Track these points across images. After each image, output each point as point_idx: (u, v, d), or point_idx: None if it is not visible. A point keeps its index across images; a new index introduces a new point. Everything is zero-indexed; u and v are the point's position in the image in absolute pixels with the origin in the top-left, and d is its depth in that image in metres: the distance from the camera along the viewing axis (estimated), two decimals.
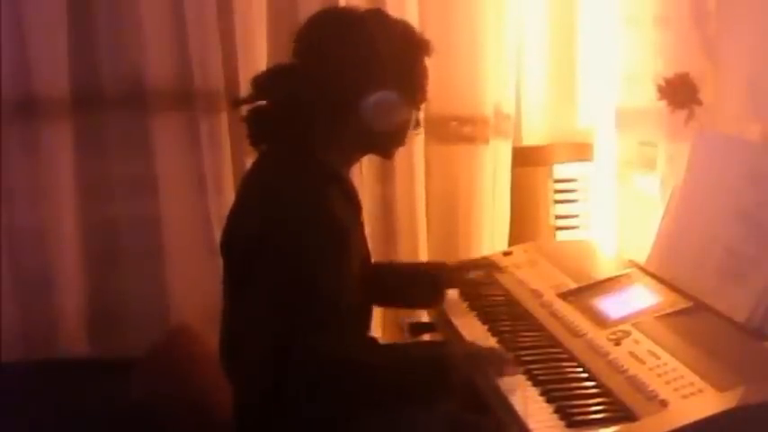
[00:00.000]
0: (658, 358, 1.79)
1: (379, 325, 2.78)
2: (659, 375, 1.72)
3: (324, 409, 1.76)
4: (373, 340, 2.10)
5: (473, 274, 2.39)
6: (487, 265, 2.47)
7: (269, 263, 1.77)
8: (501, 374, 1.84)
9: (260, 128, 1.95)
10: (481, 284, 2.37)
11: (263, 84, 1.95)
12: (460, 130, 2.94)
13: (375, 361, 1.80)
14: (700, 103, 2.44)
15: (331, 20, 2.00)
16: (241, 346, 1.84)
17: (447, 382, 1.80)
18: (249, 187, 1.96)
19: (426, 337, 2.47)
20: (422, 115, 2.12)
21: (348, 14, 2.04)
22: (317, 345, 1.70)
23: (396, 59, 1.91)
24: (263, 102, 1.95)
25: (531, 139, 3.03)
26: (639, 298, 2.12)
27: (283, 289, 1.75)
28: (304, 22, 1.99)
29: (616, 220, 2.80)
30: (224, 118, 2.80)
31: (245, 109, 1.99)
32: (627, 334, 1.93)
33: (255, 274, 1.79)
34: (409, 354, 1.91)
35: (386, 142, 2.01)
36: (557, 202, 2.98)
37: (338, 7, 2.03)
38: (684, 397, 1.63)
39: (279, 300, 1.75)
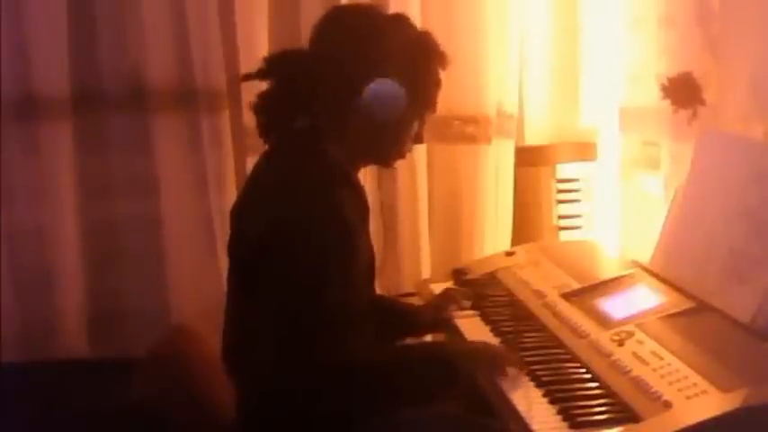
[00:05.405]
0: (662, 359, 1.78)
1: None
2: (663, 376, 1.71)
3: (326, 411, 1.75)
4: (377, 341, 2.10)
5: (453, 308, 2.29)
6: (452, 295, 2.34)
7: (279, 263, 1.77)
8: (503, 374, 1.85)
9: (268, 116, 1.94)
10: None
11: (273, 62, 1.96)
12: (463, 130, 2.93)
13: (377, 363, 1.81)
14: (703, 102, 2.42)
15: (350, 12, 2.02)
16: (249, 344, 1.84)
17: (449, 381, 1.83)
18: (259, 185, 1.95)
19: (428, 337, 2.46)
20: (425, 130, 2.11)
21: (369, 11, 2.04)
22: (323, 348, 1.71)
23: (406, 62, 1.91)
24: (270, 80, 1.94)
25: (533, 138, 3.02)
26: (643, 298, 2.11)
27: (292, 290, 1.75)
28: (325, 12, 1.99)
29: (619, 220, 2.80)
30: (225, 118, 2.80)
31: (252, 97, 1.97)
32: (630, 335, 1.92)
33: (265, 273, 1.79)
34: (411, 354, 1.94)
35: (386, 146, 1.99)
36: (560, 201, 2.98)
37: (363, 3, 2.06)
38: (688, 398, 1.62)
39: (287, 302, 1.75)
